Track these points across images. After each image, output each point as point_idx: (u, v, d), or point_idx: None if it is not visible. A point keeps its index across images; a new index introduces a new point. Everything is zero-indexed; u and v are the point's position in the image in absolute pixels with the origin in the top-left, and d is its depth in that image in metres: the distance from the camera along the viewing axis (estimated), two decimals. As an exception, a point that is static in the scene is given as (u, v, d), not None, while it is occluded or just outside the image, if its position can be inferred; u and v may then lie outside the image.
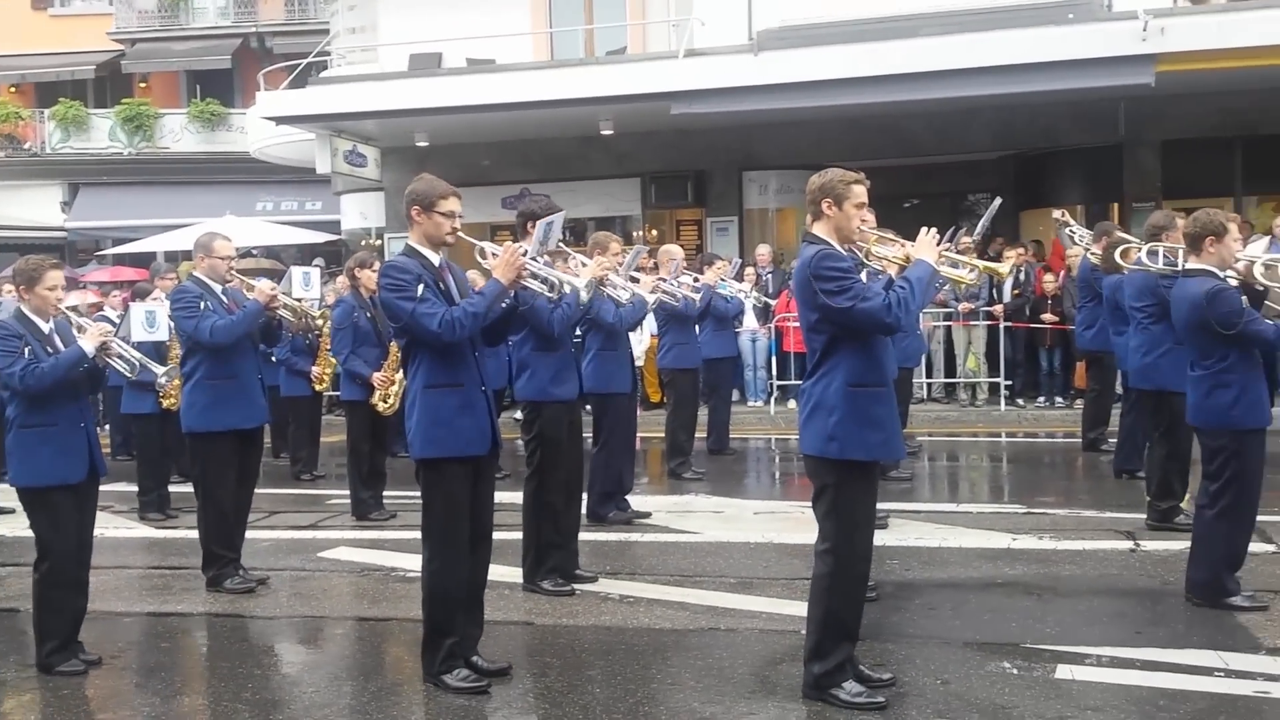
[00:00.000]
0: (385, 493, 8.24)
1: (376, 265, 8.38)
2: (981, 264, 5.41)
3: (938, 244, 4.56)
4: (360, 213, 17.60)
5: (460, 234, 4.80)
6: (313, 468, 10.20)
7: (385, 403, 8.17)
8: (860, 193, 4.43)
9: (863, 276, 4.48)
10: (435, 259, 4.76)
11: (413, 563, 5.85)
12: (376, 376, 8.14)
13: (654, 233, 15.85)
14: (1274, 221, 12.28)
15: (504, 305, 4.82)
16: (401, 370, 7.99)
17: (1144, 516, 6.95)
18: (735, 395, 12.84)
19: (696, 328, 9.63)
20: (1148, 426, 7.41)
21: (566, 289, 5.35)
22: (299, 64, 15.54)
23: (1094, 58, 11.97)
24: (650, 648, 5.16)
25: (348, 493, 8.28)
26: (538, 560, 6.02)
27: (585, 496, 7.42)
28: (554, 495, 6.06)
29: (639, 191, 15.90)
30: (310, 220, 21.52)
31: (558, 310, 5.91)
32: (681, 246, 12.36)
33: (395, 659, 5.32)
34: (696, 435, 9.88)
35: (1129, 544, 6.58)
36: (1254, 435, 5.33)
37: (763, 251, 13.66)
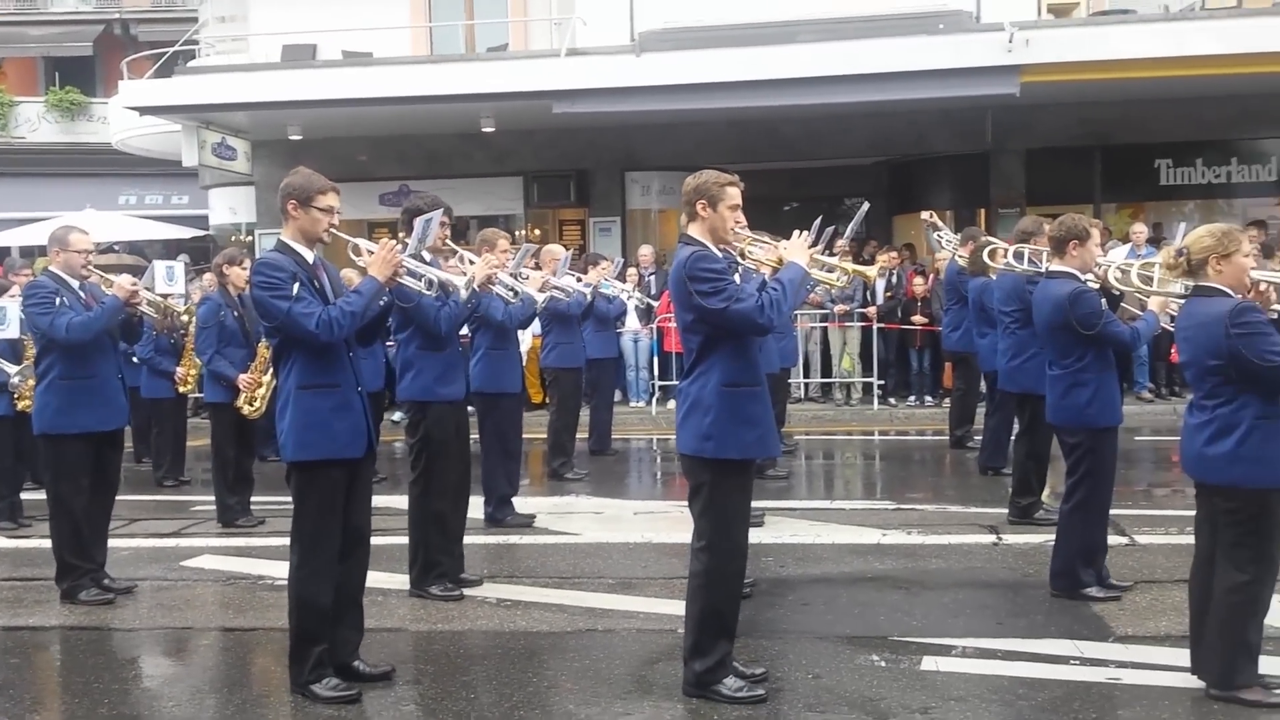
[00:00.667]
0: (253, 498, 7.99)
1: (245, 262, 8.15)
2: (851, 267, 5.55)
3: (810, 247, 4.64)
4: (229, 207, 17.05)
5: (335, 231, 4.68)
6: (177, 473, 9.82)
7: (252, 405, 7.92)
8: (734, 194, 4.48)
9: (735, 278, 4.54)
10: (310, 256, 4.64)
11: (280, 570, 5.68)
12: (243, 378, 7.88)
13: (536, 232, 15.76)
14: (1130, 228, 12.94)
15: (380, 304, 4.72)
16: (271, 371, 7.79)
17: (1006, 512, 7.21)
18: (617, 396, 12.88)
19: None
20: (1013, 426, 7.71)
21: (450, 288, 5.30)
22: (165, 52, 14.91)
23: (962, 68, 12.38)
24: (528, 651, 5.13)
25: (213, 499, 8.00)
26: (426, 566, 5.92)
27: (483, 501, 7.40)
28: (441, 499, 5.96)
29: (521, 190, 15.80)
30: (176, 215, 20.75)
31: (445, 308, 5.82)
32: (565, 246, 12.44)
33: (262, 670, 5.17)
34: (578, 436, 9.86)
35: (992, 538, 6.82)
36: (1107, 433, 5.58)
37: (645, 252, 13.73)
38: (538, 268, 8.65)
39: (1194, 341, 4.31)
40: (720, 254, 4.47)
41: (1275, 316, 4.38)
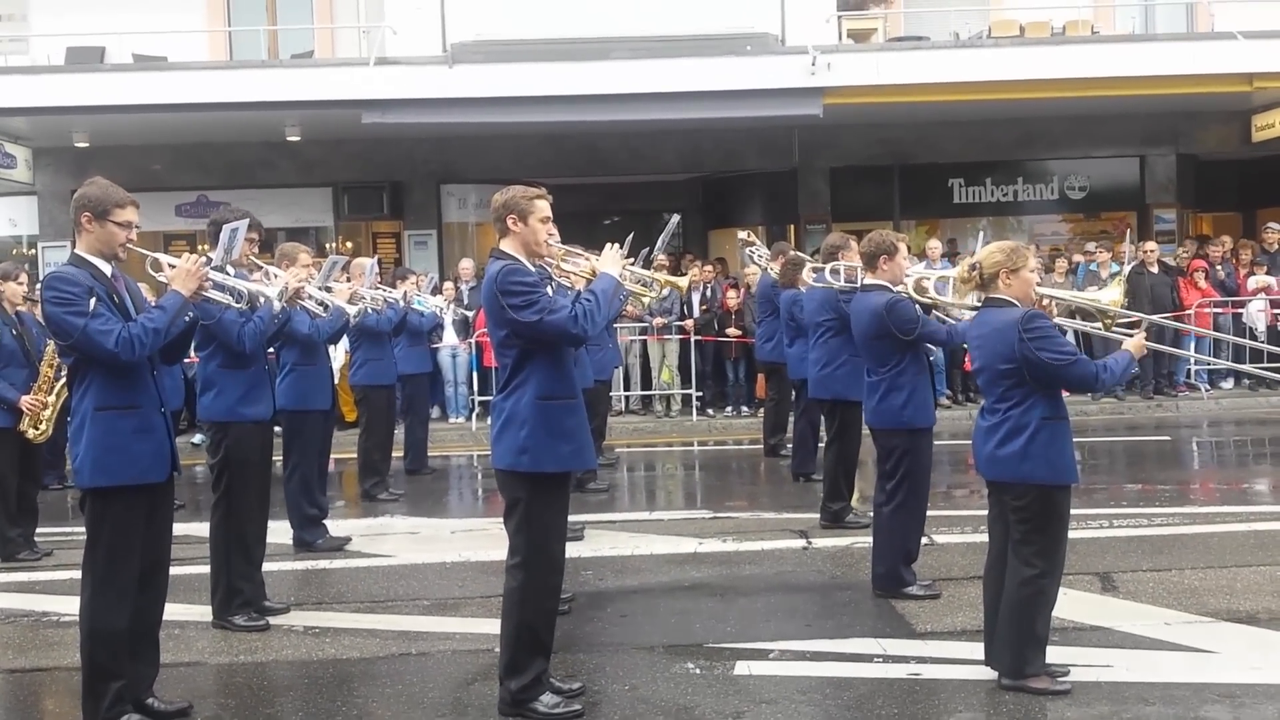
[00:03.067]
0: (37, 530, 7.39)
1: (22, 277, 7.61)
2: (663, 278, 5.61)
3: (623, 258, 4.67)
4: (9, 219, 15.83)
5: (133, 245, 4.40)
6: None
7: (37, 429, 7.34)
8: (544, 208, 4.46)
9: (548, 290, 4.51)
10: (107, 270, 4.35)
11: (67, 606, 5.33)
12: (25, 400, 7.30)
13: (348, 245, 15.32)
14: (926, 244, 13.65)
15: (185, 320, 4.45)
16: (56, 391, 7.26)
17: (818, 516, 7.44)
18: (436, 412, 12.64)
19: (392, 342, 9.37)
20: (823, 431, 7.97)
21: (261, 301, 5.07)
22: (-66, 51, 13.79)
23: (769, 88, 12.80)
24: (336, 679, 4.93)
25: (-9, 531, 7.35)
26: (229, 594, 5.61)
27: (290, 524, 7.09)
28: (244, 524, 5.67)
29: (330, 201, 15.32)
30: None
31: (249, 324, 5.55)
32: (379, 260, 12.14)
33: (52, 712, 4.82)
34: (394, 455, 9.60)
35: (803, 542, 7.02)
36: (923, 434, 5.87)
37: (465, 265, 13.54)
38: (348, 281, 8.39)
39: (987, 348, 4.55)
40: (533, 268, 4.44)
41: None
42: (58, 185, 14.87)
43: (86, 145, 13.96)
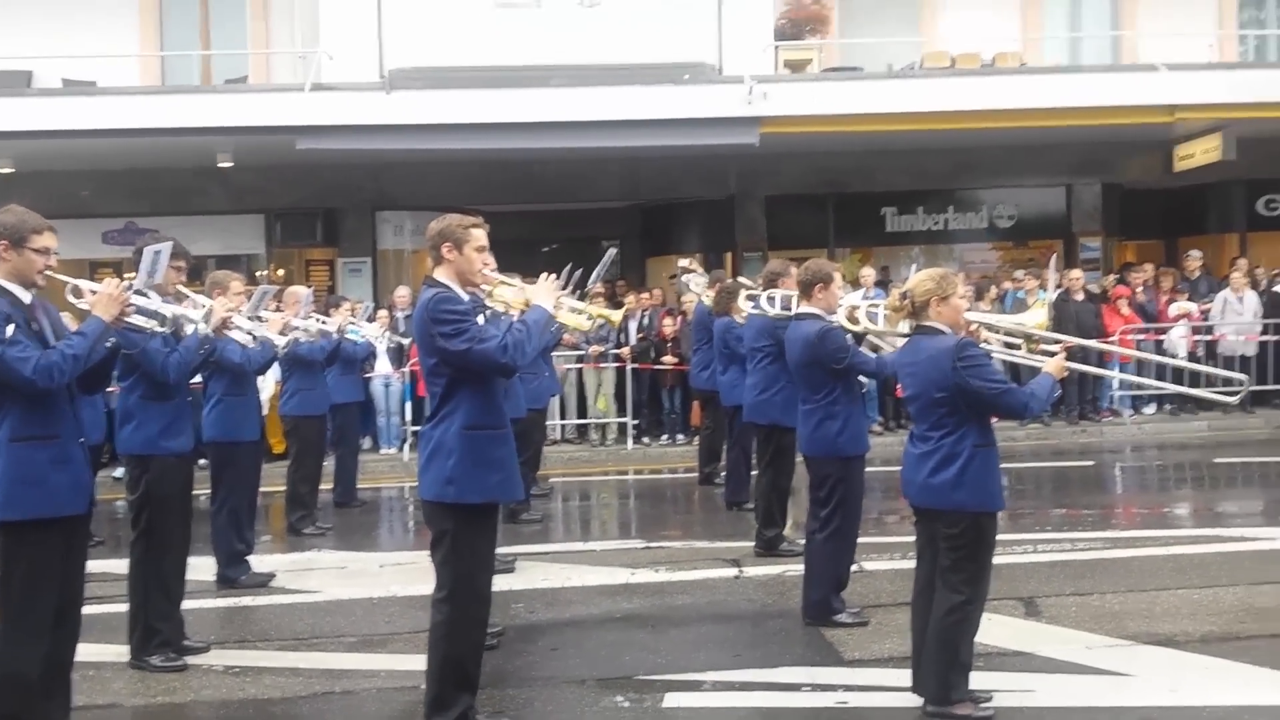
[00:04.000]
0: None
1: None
2: (596, 310, 5.62)
3: (557, 289, 4.66)
4: (-70, 245, 15.36)
5: (52, 272, 4.30)
6: None
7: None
8: (480, 236, 4.46)
9: (480, 319, 4.50)
10: (26, 297, 4.25)
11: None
12: None
13: (280, 272, 15.11)
14: (860, 271, 13.82)
15: (106, 347, 4.36)
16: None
17: (752, 544, 7.45)
18: (367, 443, 12.48)
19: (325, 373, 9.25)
20: (756, 459, 8.00)
21: (185, 328, 4.98)
22: None
23: (706, 117, 12.90)
24: (257, 720, 4.82)
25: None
26: (147, 633, 5.47)
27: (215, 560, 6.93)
28: (163, 560, 5.53)
29: (263, 228, 15.09)
30: None
31: (174, 354, 5.42)
32: (312, 287, 11.98)
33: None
34: (322, 487, 9.45)
35: (734, 571, 7.03)
36: (857, 461, 5.92)
37: (402, 293, 13.38)
38: (279, 310, 8.28)
39: (920, 376, 4.61)
40: (467, 296, 4.42)
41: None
42: (-21, 211, 14.48)
43: (11, 171, 13.63)
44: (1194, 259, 14.59)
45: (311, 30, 13.84)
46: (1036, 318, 5.12)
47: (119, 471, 10.18)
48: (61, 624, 4.25)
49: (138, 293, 4.64)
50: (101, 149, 13.12)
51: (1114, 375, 12.44)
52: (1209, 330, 13.56)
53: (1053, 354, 4.98)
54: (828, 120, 13.26)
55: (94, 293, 4.37)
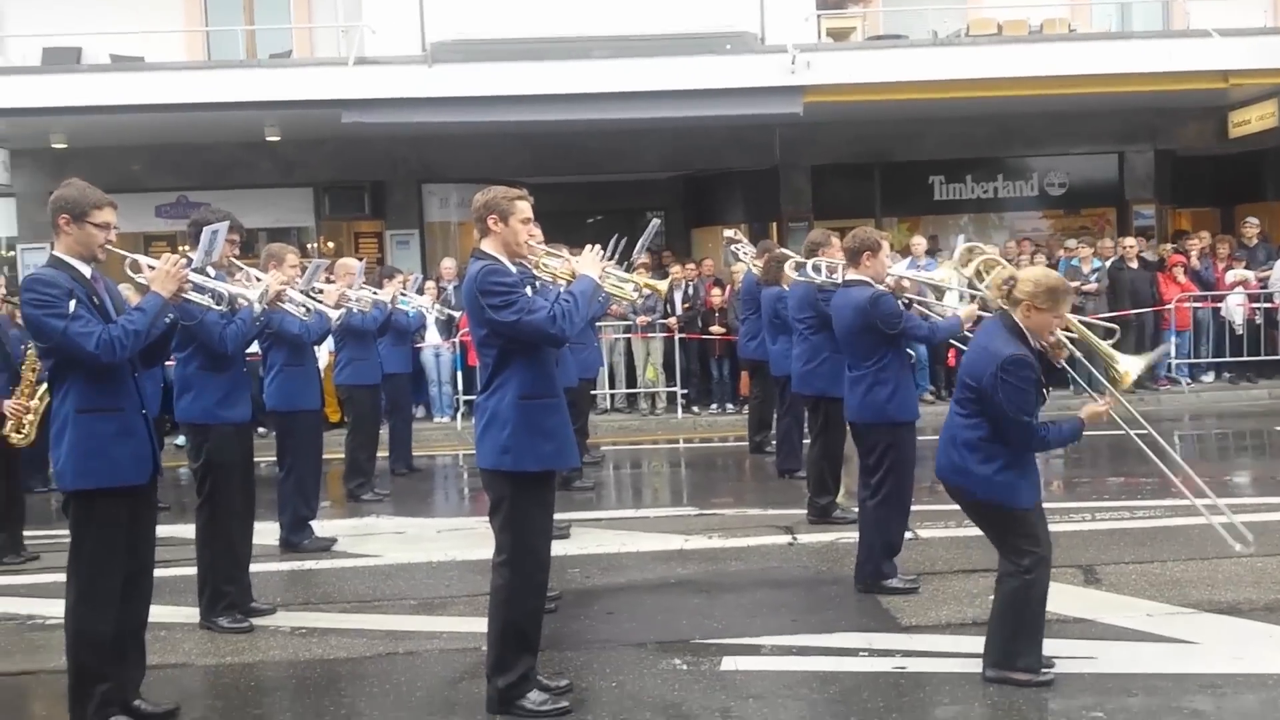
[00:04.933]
0: (25, 533, 7.35)
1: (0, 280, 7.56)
2: (643, 280, 5.63)
3: (602, 260, 4.68)
4: (-14, 221, 15.71)
5: (112, 246, 4.38)
6: None
7: (20, 433, 7.28)
8: (524, 208, 4.47)
9: (528, 290, 4.52)
10: (87, 271, 4.33)
11: (52, 608, 5.31)
12: (8, 404, 7.23)
13: (330, 245, 15.26)
14: (910, 240, 13.71)
15: (165, 321, 4.45)
16: (39, 395, 7.20)
17: (804, 512, 7.46)
18: (420, 412, 12.61)
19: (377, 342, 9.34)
20: (807, 428, 8.00)
21: (241, 302, 5.07)
22: (-92, 52, 13.64)
23: (749, 87, 12.82)
24: (324, 679, 4.93)
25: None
26: (215, 596, 5.61)
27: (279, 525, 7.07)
28: (230, 526, 5.66)
29: (311, 202, 15.24)
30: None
31: (231, 326, 5.53)
32: (362, 259, 12.09)
33: (40, 715, 4.82)
34: (379, 454, 9.58)
35: (788, 538, 7.05)
36: (907, 428, 5.91)
37: (447, 265, 13.48)
38: (331, 282, 8.37)
39: (968, 361, 4.59)
40: (514, 268, 4.44)
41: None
42: (35, 187, 14.72)
43: (64, 146, 13.85)
44: (1251, 225, 14.31)
45: (354, 4, 13.88)
46: (943, 274, 5.15)
47: (180, 439, 10.39)
48: (134, 588, 4.37)
49: (195, 270, 4.70)
50: (151, 124, 13.29)
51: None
52: (1268, 298, 13.31)
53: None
54: (872, 89, 13.15)
55: (152, 268, 4.43)
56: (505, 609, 4.35)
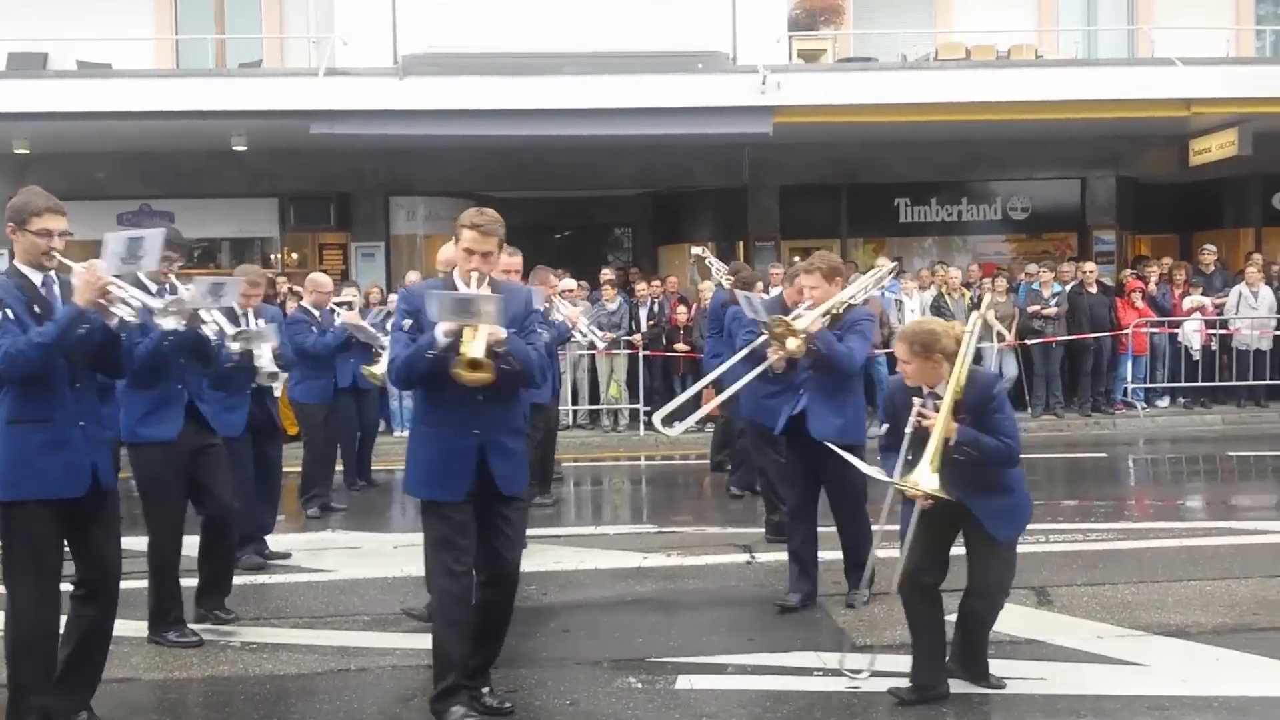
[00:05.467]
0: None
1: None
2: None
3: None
4: (-54, 226, 15.45)
5: (59, 254, 4.29)
6: None
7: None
8: (464, 236, 4.38)
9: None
10: (37, 279, 4.27)
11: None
12: None
13: (294, 256, 15.16)
14: (875, 261, 13.80)
15: (81, 331, 4.19)
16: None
17: (762, 531, 7.47)
18: (382, 425, 12.51)
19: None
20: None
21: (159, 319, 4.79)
22: None
23: (720, 106, 12.89)
24: (273, 695, 4.87)
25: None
26: (159, 611, 5.54)
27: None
28: (165, 542, 5.57)
29: (277, 212, 15.14)
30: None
31: (140, 344, 5.19)
32: (325, 271, 12.00)
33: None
34: (337, 469, 9.50)
35: (745, 557, 7.06)
36: (858, 450, 5.86)
37: (412, 278, 13.41)
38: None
39: None
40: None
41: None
42: (-4, 192, 14.57)
43: (27, 152, 13.69)
44: (1209, 253, 14.55)
45: (326, 15, 13.86)
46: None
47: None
48: (94, 597, 4.34)
49: (117, 278, 4.46)
50: (116, 131, 13.17)
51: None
52: (1224, 324, 13.52)
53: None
54: (841, 110, 13.25)
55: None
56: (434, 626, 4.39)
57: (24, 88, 12.56)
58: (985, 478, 4.51)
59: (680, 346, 13.02)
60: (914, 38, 15.09)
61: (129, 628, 5.55)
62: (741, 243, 15.67)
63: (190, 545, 5.76)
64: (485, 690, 4.52)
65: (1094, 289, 13.54)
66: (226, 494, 5.77)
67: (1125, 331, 13.31)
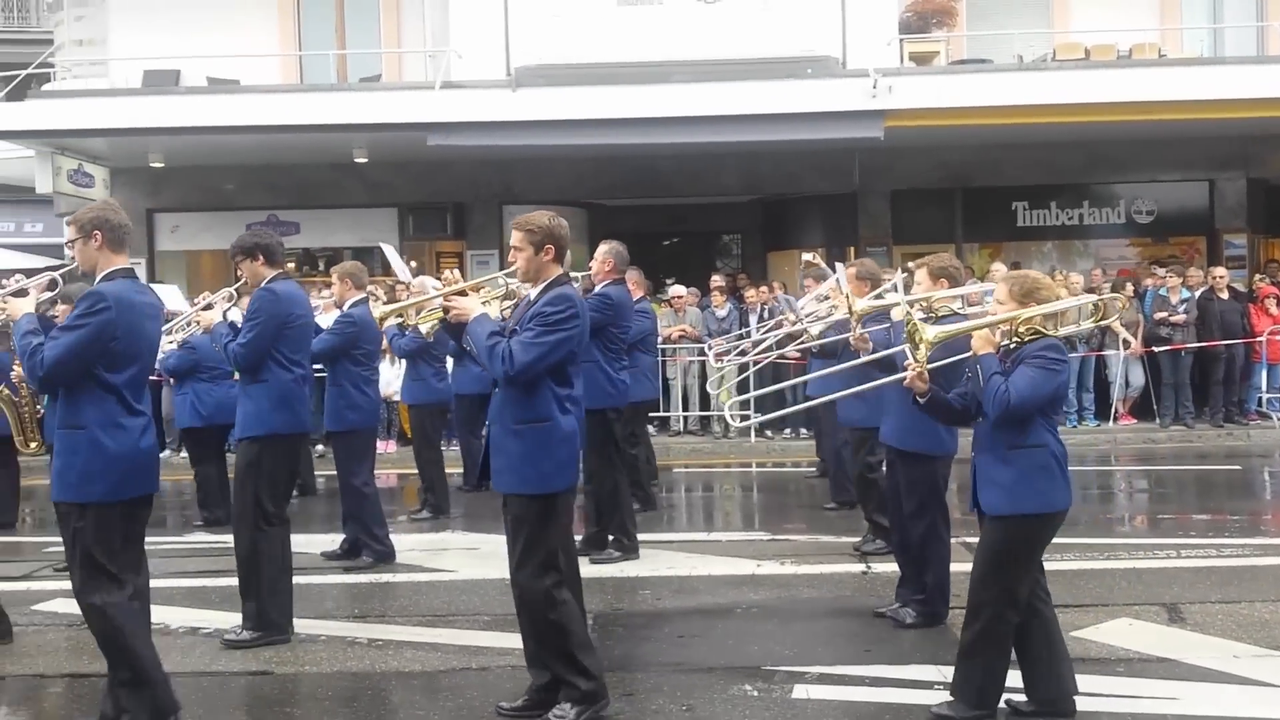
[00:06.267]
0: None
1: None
2: None
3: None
4: (87, 237, 16.29)
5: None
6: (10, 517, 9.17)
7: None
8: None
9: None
10: None
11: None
12: None
13: (414, 264, 15.53)
14: (991, 266, 13.52)
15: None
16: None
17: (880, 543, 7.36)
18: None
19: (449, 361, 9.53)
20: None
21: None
22: (18, 75, 14.26)
23: (830, 111, 12.80)
24: (399, 692, 5.02)
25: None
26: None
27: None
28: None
29: (396, 222, 15.58)
30: (29, 244, 19.72)
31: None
32: (438, 279, 12.29)
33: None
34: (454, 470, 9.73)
35: (862, 567, 6.98)
36: (943, 461, 5.73)
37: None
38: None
39: None
40: None
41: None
42: (133, 204, 15.28)
43: (161, 165, 14.37)
44: (1347, 257, 13.84)
45: (442, 29, 14.20)
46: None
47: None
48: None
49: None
50: (244, 145, 13.73)
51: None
52: (1365, 331, 12.86)
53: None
54: (955, 113, 13.03)
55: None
56: None
57: (158, 104, 13.18)
58: (992, 436, 4.35)
59: (791, 353, 12.92)
60: (1029, 39, 14.72)
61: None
62: (852, 248, 15.46)
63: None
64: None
65: (1225, 295, 13.01)
66: None
67: (1259, 339, 12.75)
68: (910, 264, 7.15)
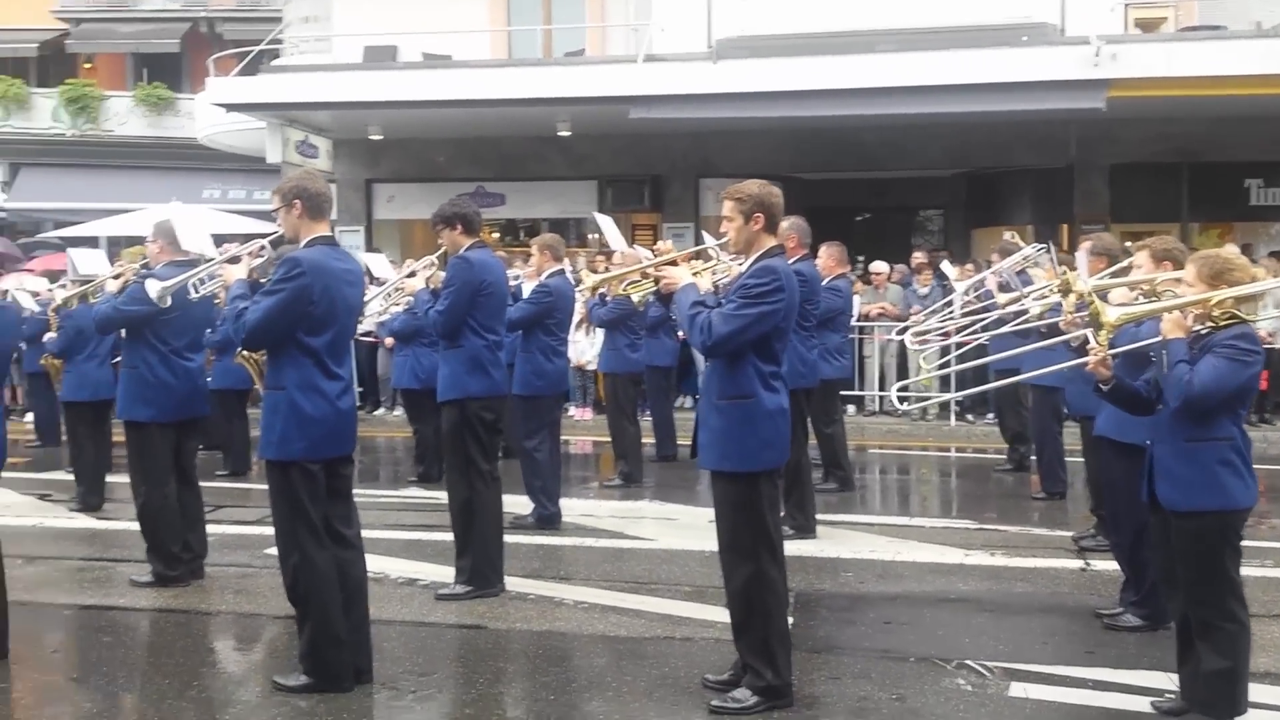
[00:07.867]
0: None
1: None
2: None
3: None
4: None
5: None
6: (242, 465, 9.79)
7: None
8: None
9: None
10: None
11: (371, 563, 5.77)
12: None
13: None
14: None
15: None
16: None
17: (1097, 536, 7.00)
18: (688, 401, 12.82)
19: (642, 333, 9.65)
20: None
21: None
22: (250, 51, 15.19)
23: (1047, 80, 12.17)
24: (605, 655, 5.12)
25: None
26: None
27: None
28: None
29: (595, 194, 15.84)
30: (259, 210, 21.10)
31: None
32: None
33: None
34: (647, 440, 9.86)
35: (1080, 563, 6.66)
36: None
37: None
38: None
39: None
40: None
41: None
42: (353, 174, 16.16)
43: (380, 138, 15.05)
44: None
45: (645, 3, 14.28)
46: None
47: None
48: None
49: None
50: (455, 118, 14.21)
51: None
52: None
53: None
54: (1185, 83, 12.16)
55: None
56: None
57: (377, 79, 13.80)
58: (1172, 426, 4.09)
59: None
60: (1269, 3, 13.55)
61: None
62: (1066, 226, 14.73)
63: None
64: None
65: None
66: None
67: None
68: (1129, 244, 6.73)
